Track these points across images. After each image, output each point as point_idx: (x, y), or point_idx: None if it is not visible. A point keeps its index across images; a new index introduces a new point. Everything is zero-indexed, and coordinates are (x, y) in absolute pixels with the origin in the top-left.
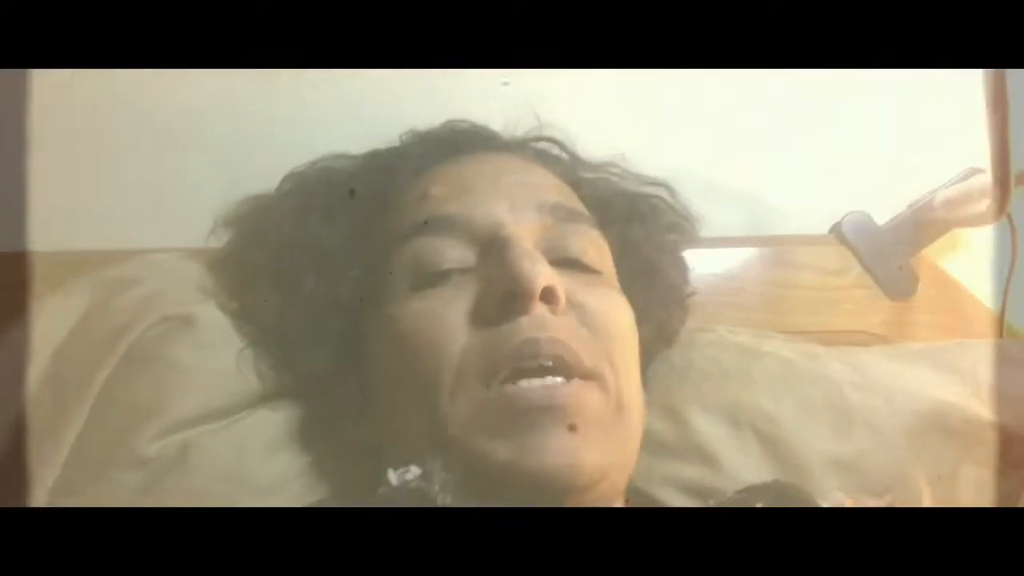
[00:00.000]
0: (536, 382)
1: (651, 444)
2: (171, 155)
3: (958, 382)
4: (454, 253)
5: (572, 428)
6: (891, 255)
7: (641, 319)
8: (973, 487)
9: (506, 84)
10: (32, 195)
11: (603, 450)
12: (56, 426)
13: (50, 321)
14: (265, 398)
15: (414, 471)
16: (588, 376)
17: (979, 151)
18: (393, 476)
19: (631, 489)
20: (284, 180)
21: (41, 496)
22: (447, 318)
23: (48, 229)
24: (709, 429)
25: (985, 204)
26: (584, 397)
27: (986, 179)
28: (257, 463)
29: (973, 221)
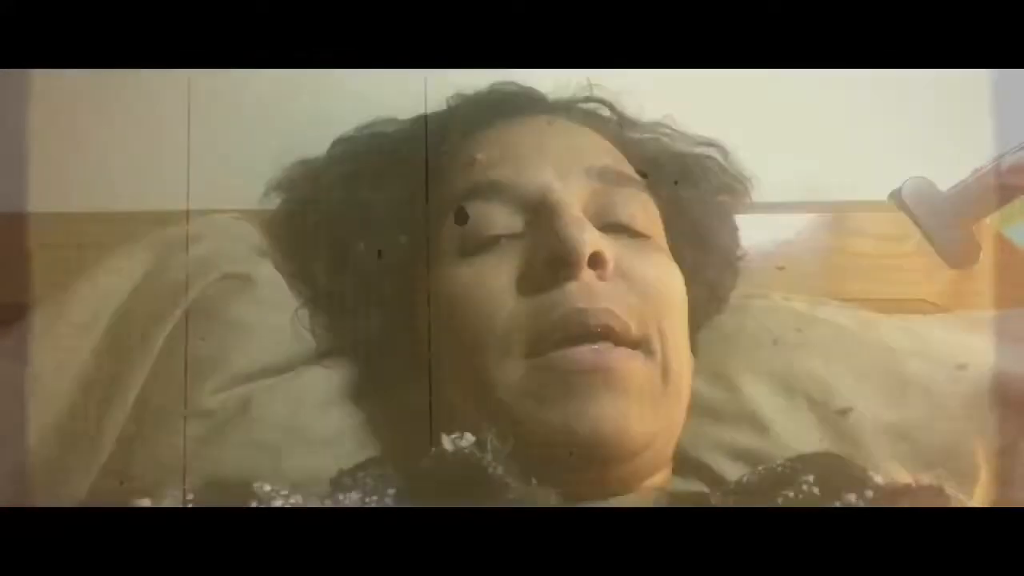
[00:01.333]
0: (583, 348)
1: (702, 409)
2: (225, 120)
3: (1020, 352)
4: (502, 219)
5: (619, 393)
6: (953, 222)
7: (691, 282)
8: None
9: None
10: (95, 159)
11: (649, 417)
12: (120, 379)
13: (115, 278)
14: (320, 355)
15: (468, 438)
16: (635, 344)
17: None
18: (447, 441)
19: (680, 453)
20: (334, 144)
21: (107, 446)
22: (495, 284)
23: (111, 191)
24: (761, 395)
25: None
26: (631, 364)
27: None
28: (312, 417)
29: None
